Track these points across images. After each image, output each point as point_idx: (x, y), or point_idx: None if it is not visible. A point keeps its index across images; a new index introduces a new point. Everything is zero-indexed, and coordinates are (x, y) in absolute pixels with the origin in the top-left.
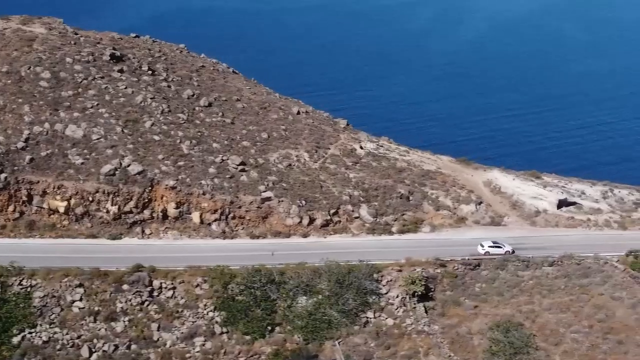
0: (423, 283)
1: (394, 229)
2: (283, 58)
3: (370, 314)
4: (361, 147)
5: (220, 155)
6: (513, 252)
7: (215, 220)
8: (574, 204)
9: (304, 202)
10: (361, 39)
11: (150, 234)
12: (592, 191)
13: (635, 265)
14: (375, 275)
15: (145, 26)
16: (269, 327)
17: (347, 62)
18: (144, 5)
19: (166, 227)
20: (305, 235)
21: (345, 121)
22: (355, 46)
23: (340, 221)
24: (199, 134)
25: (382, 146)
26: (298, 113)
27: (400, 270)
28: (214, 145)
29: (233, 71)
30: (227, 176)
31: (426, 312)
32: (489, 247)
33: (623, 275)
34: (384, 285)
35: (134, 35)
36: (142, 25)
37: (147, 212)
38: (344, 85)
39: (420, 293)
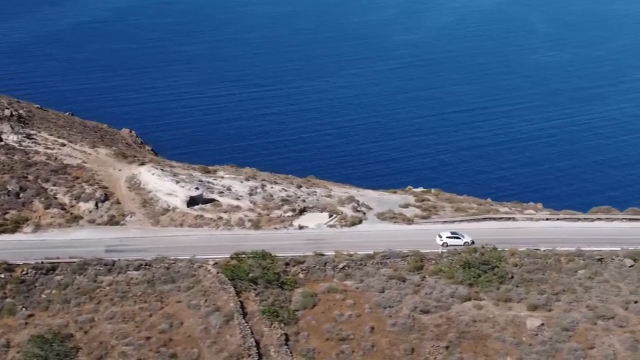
0: None
1: None
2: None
3: None
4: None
5: None
6: (472, 242)
7: None
8: (212, 201)
9: None
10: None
11: None
12: (240, 187)
13: (227, 270)
14: None
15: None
16: None
17: None
18: None
19: None
20: None
21: (9, 111)
22: None
23: None
24: None
25: (31, 138)
26: None
27: None
28: None
29: None
30: None
31: None
32: (447, 238)
33: (213, 281)
34: None
35: None
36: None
37: None
38: None
39: None
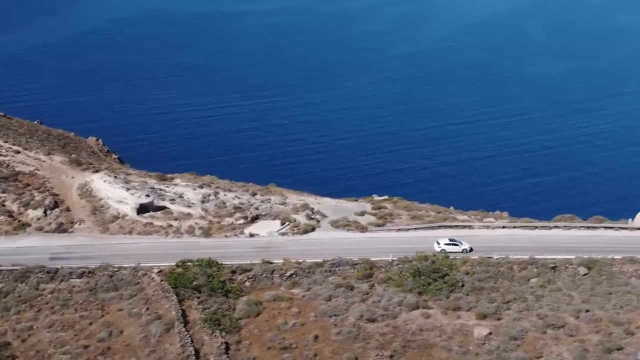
0: None
1: None
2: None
3: None
4: None
5: None
6: (471, 250)
7: None
8: (163, 208)
9: None
10: None
11: None
12: (192, 194)
13: (171, 278)
14: None
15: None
16: None
17: None
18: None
19: None
20: None
21: None
22: None
23: None
24: None
25: None
26: None
27: None
28: None
29: None
30: None
31: None
32: (445, 244)
33: (156, 289)
34: None
35: None
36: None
37: None
38: None
39: None
